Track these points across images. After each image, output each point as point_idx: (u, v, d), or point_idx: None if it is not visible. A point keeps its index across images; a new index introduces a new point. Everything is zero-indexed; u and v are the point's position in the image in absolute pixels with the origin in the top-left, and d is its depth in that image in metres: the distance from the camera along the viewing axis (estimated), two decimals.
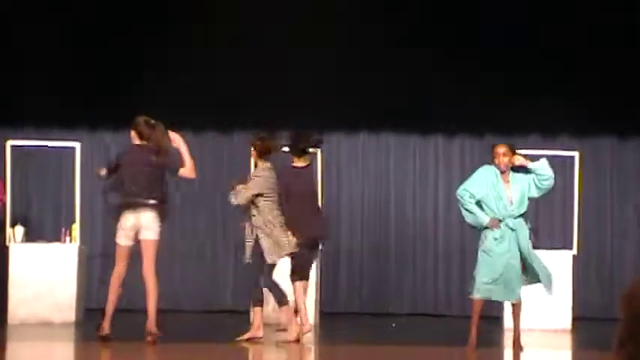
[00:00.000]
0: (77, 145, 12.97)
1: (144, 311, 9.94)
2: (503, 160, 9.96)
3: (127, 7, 14.13)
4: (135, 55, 14.15)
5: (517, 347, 10.02)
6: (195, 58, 14.09)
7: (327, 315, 13.11)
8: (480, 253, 9.97)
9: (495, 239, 9.88)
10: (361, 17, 13.99)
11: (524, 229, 10.05)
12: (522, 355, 9.91)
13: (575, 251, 12.89)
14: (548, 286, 10.00)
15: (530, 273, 9.97)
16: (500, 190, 9.99)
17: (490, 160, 10.22)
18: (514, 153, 10.07)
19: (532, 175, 9.97)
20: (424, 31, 14.10)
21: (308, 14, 13.67)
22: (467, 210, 10.07)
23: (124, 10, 14.11)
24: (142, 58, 14.12)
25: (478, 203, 10.02)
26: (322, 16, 13.76)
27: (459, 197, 10.17)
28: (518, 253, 9.90)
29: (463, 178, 14.45)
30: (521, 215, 10.01)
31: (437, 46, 14.03)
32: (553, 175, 10.02)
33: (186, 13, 14.04)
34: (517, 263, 9.90)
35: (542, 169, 9.97)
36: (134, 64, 14.12)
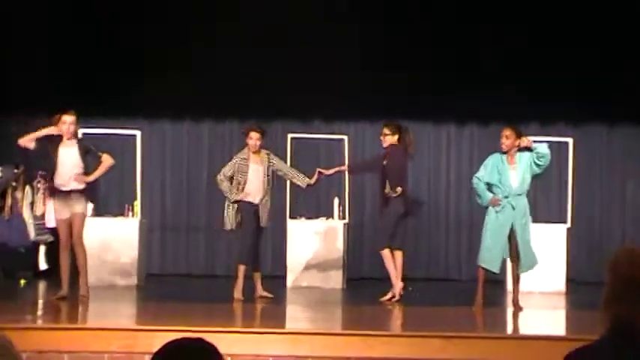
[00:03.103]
0: (138, 132, 13.04)
1: None
2: (505, 142, 10.06)
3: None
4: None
5: (516, 307, 10.07)
6: (195, 58, 13.94)
7: (352, 280, 13.12)
8: (484, 227, 10.09)
9: (497, 212, 10.01)
10: (384, 17, 13.85)
11: (524, 212, 10.06)
12: (521, 314, 9.91)
13: (569, 224, 12.86)
14: (525, 269, 10.13)
15: (514, 253, 10.02)
16: (505, 171, 10.05)
17: (494, 147, 10.31)
18: (519, 136, 10.10)
19: (533, 154, 9.99)
20: (443, 32, 14.00)
21: (308, 14, 13.44)
22: (478, 194, 10.20)
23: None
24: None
25: (488, 186, 10.10)
26: (338, 15, 13.58)
27: (472, 184, 10.30)
28: (510, 230, 9.96)
29: (471, 160, 14.52)
30: (524, 194, 10.06)
31: (453, 46, 13.97)
32: (549, 153, 10.05)
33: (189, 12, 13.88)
34: (504, 239, 9.96)
35: (541, 148, 10.02)
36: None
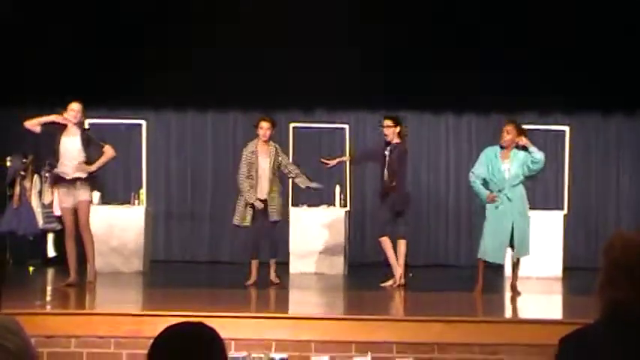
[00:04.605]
0: (143, 122, 13.04)
1: None
2: (506, 137, 10.00)
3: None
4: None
5: (515, 292, 10.09)
6: (195, 58, 13.90)
7: (354, 266, 13.14)
8: (485, 221, 10.10)
9: (496, 208, 10.00)
10: (385, 17, 13.82)
11: (522, 200, 10.05)
12: (519, 299, 9.93)
13: (565, 211, 12.86)
14: (519, 255, 10.16)
15: (512, 240, 10.05)
16: (498, 165, 10.01)
17: (493, 135, 10.26)
18: (520, 133, 10.04)
19: (529, 157, 9.96)
20: (442, 24, 13.97)
21: (309, 14, 13.42)
22: (475, 190, 10.19)
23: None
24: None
25: (485, 181, 10.09)
26: (347, 16, 13.57)
27: (469, 181, 10.27)
28: (511, 222, 9.96)
29: (470, 149, 14.52)
30: (518, 184, 10.04)
31: (452, 37, 13.95)
32: (543, 160, 10.02)
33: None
34: (505, 231, 9.96)
35: (536, 153, 9.96)
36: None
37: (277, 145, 10.97)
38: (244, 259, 14.26)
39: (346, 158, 11.89)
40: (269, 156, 10.75)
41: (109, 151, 10.15)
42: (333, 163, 11.29)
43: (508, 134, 10.01)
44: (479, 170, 10.14)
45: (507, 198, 9.98)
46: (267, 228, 10.81)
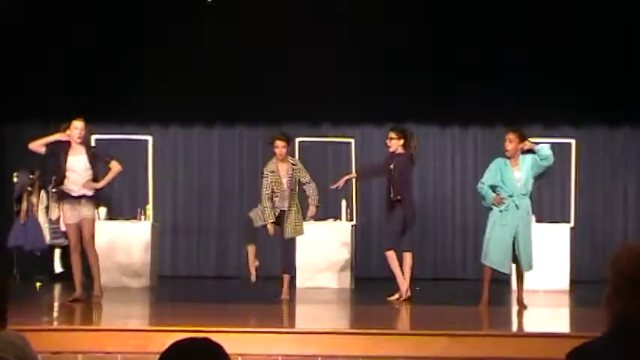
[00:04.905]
0: (149, 138, 13.06)
1: None
2: (508, 146, 10.01)
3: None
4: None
5: (521, 306, 10.05)
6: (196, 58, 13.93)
7: (360, 280, 13.12)
8: (488, 227, 10.06)
9: (500, 212, 9.98)
10: (385, 19, 13.81)
11: (528, 212, 10.03)
12: (526, 312, 9.89)
13: (572, 224, 12.84)
14: (526, 268, 10.11)
15: (517, 252, 10.01)
16: (508, 173, 10.02)
17: (497, 147, 10.26)
18: (523, 139, 10.05)
19: (535, 156, 9.96)
20: (445, 34, 13.98)
21: (309, 14, 13.41)
22: (482, 196, 10.16)
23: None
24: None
25: (492, 188, 10.07)
26: (340, 17, 13.53)
27: (477, 190, 10.26)
28: (514, 230, 9.93)
29: (476, 161, 14.51)
30: (528, 194, 10.02)
31: (456, 48, 13.95)
32: (552, 154, 10.01)
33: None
34: (510, 239, 9.93)
35: (544, 150, 9.97)
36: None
37: (296, 162, 10.90)
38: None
39: (352, 175, 11.85)
40: (287, 174, 10.72)
41: (115, 167, 10.15)
42: (340, 183, 11.27)
43: (511, 142, 10.01)
44: (486, 179, 10.13)
45: (515, 205, 9.96)
46: (281, 242, 10.78)
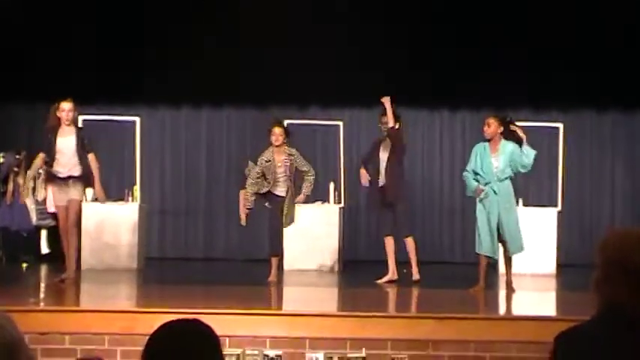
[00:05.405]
0: (137, 119, 13.02)
1: None
2: (487, 130, 10.08)
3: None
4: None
5: (510, 289, 10.10)
6: (193, 47, 13.86)
7: (348, 263, 13.13)
8: (476, 215, 10.14)
9: (481, 200, 10.05)
10: (386, 16, 13.78)
11: (508, 196, 10.03)
12: (514, 295, 9.94)
13: (559, 208, 12.88)
14: (513, 251, 10.14)
15: (502, 237, 10.02)
16: (487, 158, 10.06)
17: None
18: (502, 123, 10.08)
19: (519, 153, 9.97)
20: (439, 22, 13.95)
21: (309, 14, 13.39)
22: (466, 182, 10.23)
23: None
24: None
25: (476, 174, 10.13)
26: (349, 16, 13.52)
27: (463, 177, 10.31)
28: (496, 216, 9.96)
29: (464, 145, 14.51)
30: (506, 179, 10.03)
31: (448, 35, 13.94)
32: (530, 165, 10.08)
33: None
34: (494, 224, 9.96)
35: (526, 159, 10.02)
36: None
37: (293, 152, 10.82)
38: (239, 257, 14.37)
39: (363, 171, 11.56)
40: (284, 163, 10.70)
41: (94, 163, 10.06)
42: (365, 182, 11.22)
43: (489, 127, 10.08)
44: (471, 167, 10.21)
45: (494, 191, 10.01)
46: (272, 226, 10.81)
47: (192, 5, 13.75)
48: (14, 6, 12.71)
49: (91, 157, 10.02)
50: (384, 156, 10.94)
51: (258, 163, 10.71)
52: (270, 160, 10.65)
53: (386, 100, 10.87)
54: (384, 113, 10.92)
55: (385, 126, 10.90)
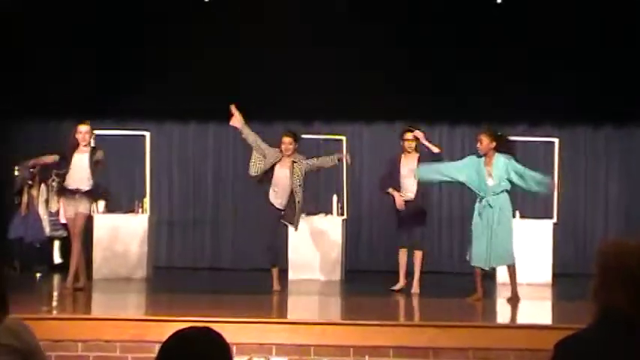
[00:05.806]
0: (147, 133, 13.04)
1: None
2: (479, 146, 10.04)
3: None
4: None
5: (515, 298, 10.05)
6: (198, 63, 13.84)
7: (350, 273, 13.12)
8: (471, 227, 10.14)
9: (479, 214, 9.99)
10: (384, 18, 13.75)
11: (501, 207, 9.94)
12: (511, 304, 9.92)
13: (555, 219, 12.87)
14: (494, 263, 10.12)
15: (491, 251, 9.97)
16: (482, 172, 10.00)
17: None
18: (494, 138, 10.01)
19: (509, 163, 9.91)
20: (440, 35, 13.91)
21: (309, 14, 13.34)
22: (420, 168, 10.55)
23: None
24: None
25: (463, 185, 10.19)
26: (338, 16, 13.49)
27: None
28: (488, 230, 9.90)
29: (463, 156, 14.42)
30: (502, 192, 9.98)
31: (448, 48, 13.92)
32: (540, 191, 10.13)
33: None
34: (487, 236, 9.92)
35: (534, 186, 9.99)
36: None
37: (298, 161, 10.78)
38: (245, 266, 14.34)
39: (391, 191, 11.39)
40: (290, 168, 10.70)
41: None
42: (400, 202, 11.19)
43: (480, 143, 10.03)
44: (453, 164, 10.22)
45: (489, 205, 9.94)
46: (273, 233, 10.81)
47: (193, 5, 13.73)
48: (14, 6, 12.69)
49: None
50: (405, 171, 10.98)
51: (267, 149, 10.71)
52: (274, 162, 10.67)
53: (420, 136, 10.88)
54: (410, 131, 11.01)
55: (410, 143, 10.93)
